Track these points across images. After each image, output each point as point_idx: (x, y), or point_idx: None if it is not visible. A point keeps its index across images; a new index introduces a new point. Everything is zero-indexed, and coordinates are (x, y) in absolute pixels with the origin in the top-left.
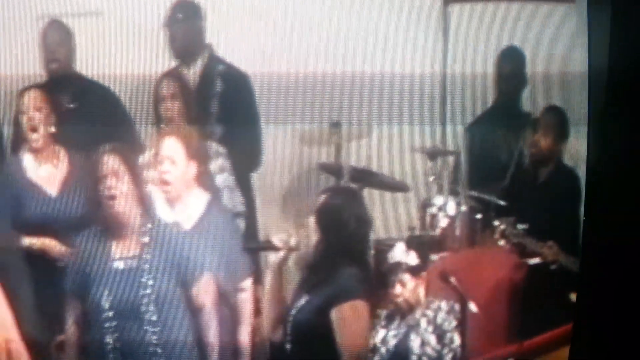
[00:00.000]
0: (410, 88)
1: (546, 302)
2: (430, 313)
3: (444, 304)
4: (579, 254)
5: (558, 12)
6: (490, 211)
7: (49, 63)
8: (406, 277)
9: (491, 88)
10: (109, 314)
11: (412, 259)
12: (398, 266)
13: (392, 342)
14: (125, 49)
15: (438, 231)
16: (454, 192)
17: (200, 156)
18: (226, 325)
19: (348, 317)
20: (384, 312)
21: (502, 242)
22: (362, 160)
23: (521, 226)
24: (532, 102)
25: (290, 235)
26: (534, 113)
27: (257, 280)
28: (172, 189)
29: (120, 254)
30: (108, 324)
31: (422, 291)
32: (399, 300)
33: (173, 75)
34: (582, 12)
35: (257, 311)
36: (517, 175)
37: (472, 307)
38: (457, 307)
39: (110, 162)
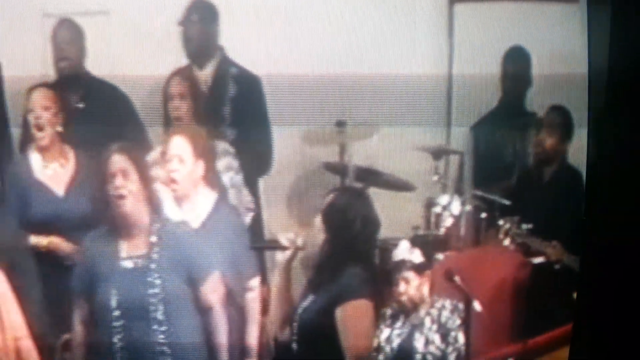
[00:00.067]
0: (416, 88)
1: (550, 302)
2: (434, 312)
3: (448, 303)
4: None
5: (564, 12)
6: (495, 211)
7: (58, 61)
8: (410, 274)
9: (496, 88)
10: (117, 313)
11: (417, 256)
12: (402, 264)
13: (396, 341)
14: (134, 49)
15: (442, 230)
16: (458, 192)
17: (208, 155)
18: (234, 325)
19: (352, 317)
20: (388, 311)
21: (506, 242)
22: (367, 160)
23: (525, 226)
24: (536, 102)
25: (297, 235)
26: (539, 113)
27: (265, 280)
28: (179, 187)
29: (129, 253)
30: (115, 323)
31: (426, 289)
32: (403, 298)
33: (183, 74)
34: (583, 12)
35: (264, 310)
36: (522, 175)
37: (477, 306)
38: (461, 306)
39: (119, 161)
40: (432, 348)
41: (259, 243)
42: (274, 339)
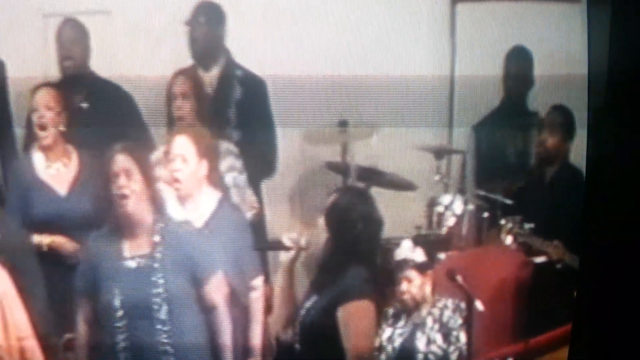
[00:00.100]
0: (418, 88)
1: (552, 301)
2: (436, 311)
3: (450, 302)
4: None
5: (564, 12)
6: (497, 210)
7: (63, 61)
8: (413, 274)
9: (498, 88)
10: (120, 313)
11: (419, 255)
12: (404, 263)
13: (398, 341)
14: (138, 49)
15: (445, 230)
16: (460, 191)
17: (211, 155)
18: (237, 324)
19: (354, 317)
20: (390, 311)
21: (508, 241)
22: (369, 159)
23: (527, 225)
24: (537, 101)
25: (300, 235)
26: (541, 113)
27: (268, 279)
28: (183, 187)
29: (132, 252)
30: (119, 323)
31: (428, 288)
32: (406, 297)
33: (187, 74)
34: (583, 12)
35: (267, 310)
36: (524, 175)
37: (478, 305)
38: (463, 305)
39: (122, 160)
40: (433, 347)
41: (262, 244)
42: (276, 339)
